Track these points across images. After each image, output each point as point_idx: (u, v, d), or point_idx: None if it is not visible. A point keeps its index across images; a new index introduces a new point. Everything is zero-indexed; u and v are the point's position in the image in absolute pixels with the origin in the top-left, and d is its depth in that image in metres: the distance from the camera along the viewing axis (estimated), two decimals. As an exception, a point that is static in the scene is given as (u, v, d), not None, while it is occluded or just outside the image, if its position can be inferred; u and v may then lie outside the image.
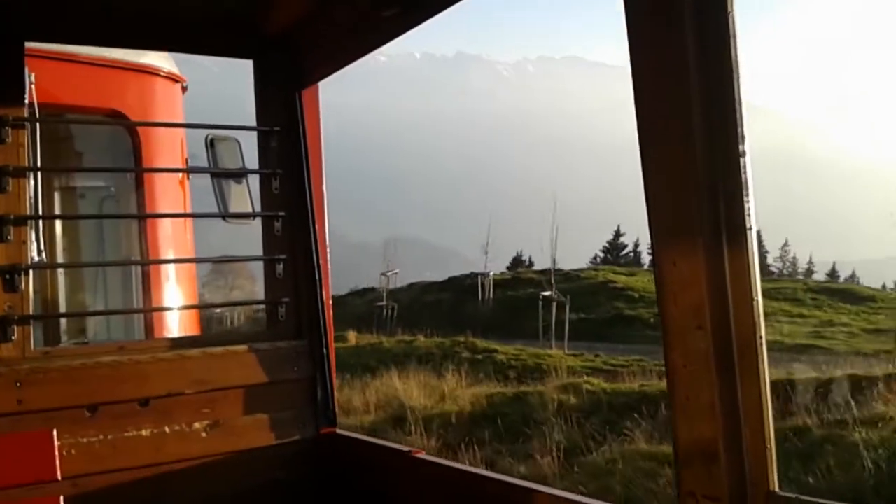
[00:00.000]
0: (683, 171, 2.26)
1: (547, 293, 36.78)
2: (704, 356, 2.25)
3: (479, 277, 49.18)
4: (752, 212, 2.23)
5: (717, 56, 2.21)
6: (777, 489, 2.21)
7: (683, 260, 2.29)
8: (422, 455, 3.51)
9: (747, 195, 2.22)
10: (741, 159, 2.21)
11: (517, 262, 75.34)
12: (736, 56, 2.20)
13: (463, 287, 50.37)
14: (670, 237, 2.33)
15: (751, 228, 2.22)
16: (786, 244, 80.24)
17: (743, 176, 2.21)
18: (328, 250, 4.04)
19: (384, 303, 46.55)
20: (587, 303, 42.45)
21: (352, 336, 32.74)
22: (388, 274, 53.63)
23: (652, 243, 2.40)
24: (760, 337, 2.22)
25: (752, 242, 2.23)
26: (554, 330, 33.94)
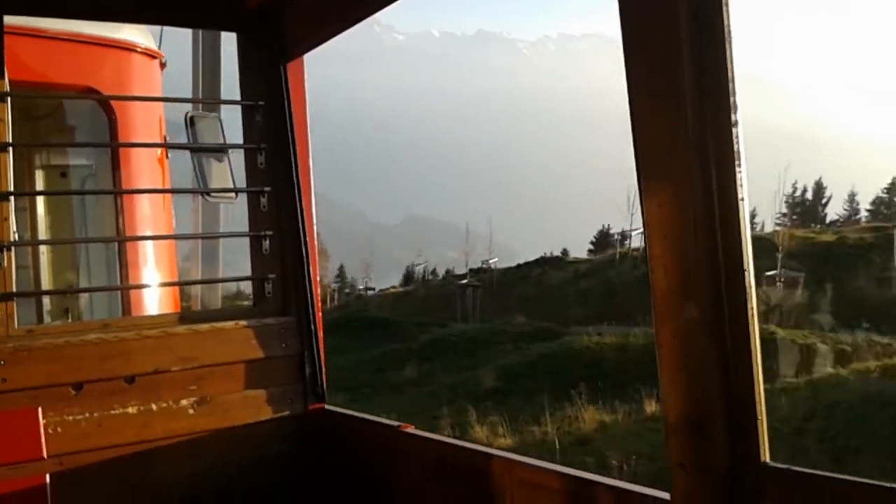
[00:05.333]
0: (675, 143, 2.25)
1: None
2: (695, 328, 2.25)
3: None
4: (745, 182, 2.23)
5: (709, 25, 2.20)
6: (769, 460, 2.21)
7: (675, 232, 2.28)
8: (410, 429, 3.52)
9: (739, 165, 2.21)
10: (733, 129, 2.20)
11: (604, 236, 72.73)
12: (728, 25, 2.19)
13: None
14: (662, 209, 2.32)
15: (743, 199, 2.22)
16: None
17: (735, 146, 2.20)
18: (315, 225, 4.02)
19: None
20: None
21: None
22: (632, 232, 41.90)
23: (643, 215, 2.38)
24: (752, 308, 2.22)
25: (744, 213, 2.22)
26: None
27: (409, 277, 72.17)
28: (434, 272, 71.76)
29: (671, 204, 2.29)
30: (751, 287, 2.23)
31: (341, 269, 79.83)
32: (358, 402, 22.03)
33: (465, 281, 44.93)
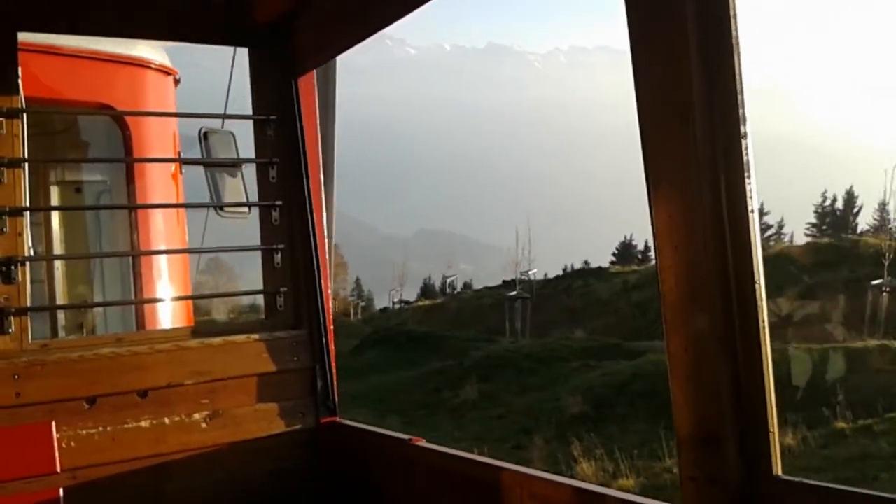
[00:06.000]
0: (684, 154, 2.25)
1: None
2: (706, 340, 2.25)
3: None
4: (754, 194, 2.22)
5: (717, 36, 2.20)
6: (780, 473, 2.20)
7: (685, 243, 2.28)
8: (422, 443, 3.51)
9: (749, 177, 2.21)
10: (742, 141, 2.20)
11: (626, 247, 71.65)
12: (737, 36, 2.19)
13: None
14: (671, 219, 2.32)
15: (753, 210, 2.22)
16: None
17: (744, 158, 2.20)
18: (326, 239, 4.04)
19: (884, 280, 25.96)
20: None
21: None
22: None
23: (653, 225, 2.38)
24: (763, 320, 2.21)
25: (753, 224, 2.22)
26: None
27: (427, 290, 71.72)
28: (452, 285, 71.55)
29: (681, 215, 2.29)
30: (761, 299, 2.22)
31: (357, 281, 79.78)
32: (413, 426, 19.93)
33: (514, 293, 40.80)
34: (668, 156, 2.32)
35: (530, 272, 49.05)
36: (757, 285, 2.21)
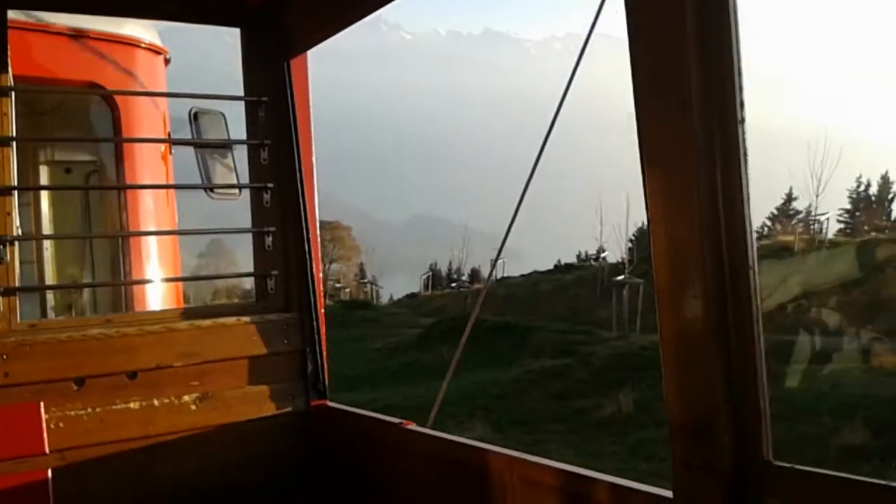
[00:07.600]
0: (680, 138, 2.23)
1: None
2: (699, 326, 2.24)
3: None
4: (749, 180, 2.22)
5: (715, 20, 2.18)
6: (772, 459, 2.20)
7: (679, 229, 2.27)
8: (412, 426, 3.51)
9: (745, 163, 2.19)
10: (739, 127, 2.18)
11: (644, 234, 70.10)
12: (736, 20, 2.17)
13: None
14: (666, 206, 2.31)
15: (748, 197, 2.22)
16: None
17: (741, 145, 2.18)
18: (317, 222, 4.02)
19: None
20: None
21: None
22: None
23: (647, 212, 2.37)
24: (756, 306, 2.20)
25: (748, 211, 2.20)
26: None
27: (436, 276, 70.66)
28: (458, 270, 70.51)
29: (675, 201, 2.28)
30: (756, 286, 2.21)
31: (361, 266, 78.95)
32: (565, 449, 14.84)
33: (621, 277, 34.32)
34: (663, 142, 2.30)
35: (602, 255, 43.21)
36: (751, 272, 2.20)
